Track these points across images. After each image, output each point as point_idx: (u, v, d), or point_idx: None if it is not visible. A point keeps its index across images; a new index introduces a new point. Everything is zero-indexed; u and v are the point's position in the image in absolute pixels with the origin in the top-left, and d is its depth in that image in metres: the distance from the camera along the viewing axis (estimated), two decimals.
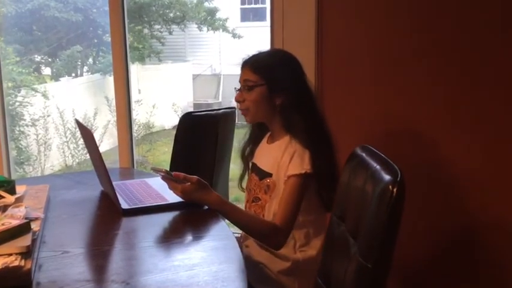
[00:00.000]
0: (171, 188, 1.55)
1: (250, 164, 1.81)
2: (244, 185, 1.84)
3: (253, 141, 1.81)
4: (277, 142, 1.69)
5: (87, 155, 2.42)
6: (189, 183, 1.51)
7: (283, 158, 1.63)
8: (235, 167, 1.96)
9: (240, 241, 1.74)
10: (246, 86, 1.67)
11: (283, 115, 1.66)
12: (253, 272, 1.65)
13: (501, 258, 2.03)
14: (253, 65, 1.67)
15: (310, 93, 1.69)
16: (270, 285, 1.66)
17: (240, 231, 1.69)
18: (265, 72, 1.65)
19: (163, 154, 6.18)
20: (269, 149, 1.73)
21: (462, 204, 2.06)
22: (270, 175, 1.67)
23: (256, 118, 1.72)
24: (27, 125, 5.51)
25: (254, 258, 1.68)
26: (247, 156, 1.82)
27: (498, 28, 1.93)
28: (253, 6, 9.03)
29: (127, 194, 1.69)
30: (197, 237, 1.45)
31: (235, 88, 1.72)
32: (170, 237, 1.45)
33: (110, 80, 2.85)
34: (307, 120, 1.63)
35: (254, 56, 1.70)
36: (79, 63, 6.84)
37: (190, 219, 1.56)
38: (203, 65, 8.63)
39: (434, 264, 2.12)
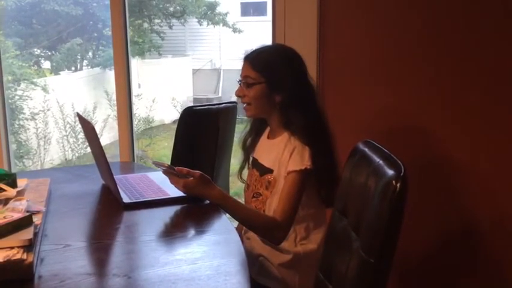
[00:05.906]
0: (172, 182, 1.55)
1: (251, 159, 1.80)
2: (243, 176, 1.84)
3: (255, 132, 1.81)
4: (278, 138, 1.69)
5: (87, 149, 2.42)
6: (192, 178, 1.51)
7: (284, 155, 1.63)
8: (235, 161, 1.95)
9: (241, 233, 1.74)
10: (245, 82, 1.67)
11: (282, 112, 1.65)
12: (254, 265, 1.65)
13: (503, 252, 2.03)
14: (254, 61, 1.66)
15: (311, 91, 1.68)
16: (271, 279, 1.66)
17: (237, 223, 1.69)
18: (265, 70, 1.64)
19: (163, 149, 6.18)
20: (270, 144, 1.72)
21: (464, 199, 2.06)
22: (271, 171, 1.67)
23: (257, 114, 1.72)
24: (26, 119, 5.50)
25: (255, 251, 1.68)
26: (248, 147, 1.82)
27: (498, 24, 1.93)
28: (253, 0, 8.99)
29: (128, 188, 1.69)
30: (199, 232, 1.45)
31: (237, 81, 1.71)
32: (172, 231, 1.45)
33: (110, 74, 2.86)
34: (307, 118, 1.63)
35: (256, 52, 1.69)
36: (78, 57, 6.82)
37: (191, 213, 1.56)
38: (203, 60, 8.61)
39: (434, 258, 2.12)
